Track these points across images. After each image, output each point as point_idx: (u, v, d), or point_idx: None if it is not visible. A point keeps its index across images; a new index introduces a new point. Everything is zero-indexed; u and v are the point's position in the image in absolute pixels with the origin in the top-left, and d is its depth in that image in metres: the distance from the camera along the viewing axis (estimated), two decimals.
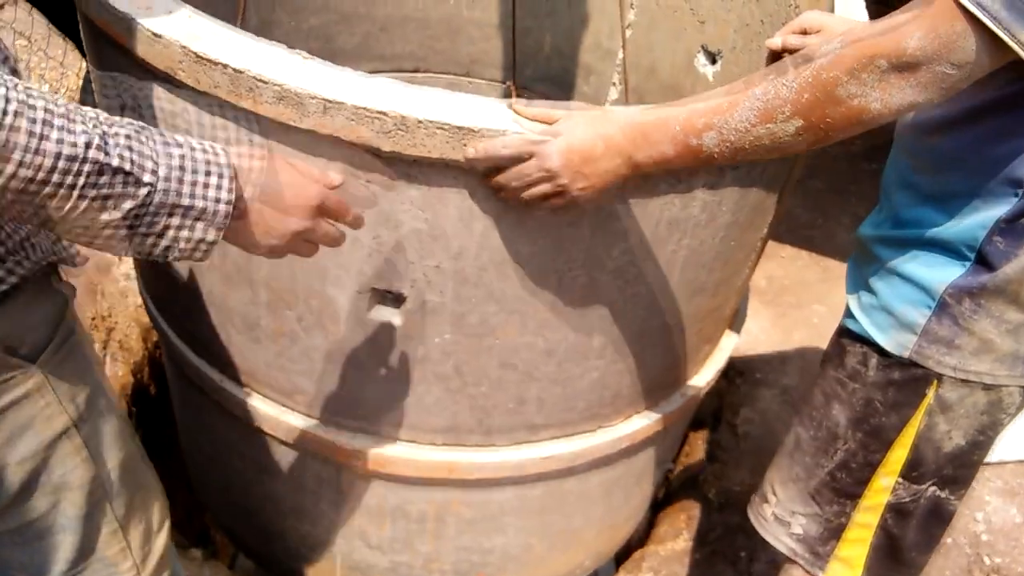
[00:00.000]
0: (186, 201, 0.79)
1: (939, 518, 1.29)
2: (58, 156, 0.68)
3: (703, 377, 1.70)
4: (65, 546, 1.06)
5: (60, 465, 1.01)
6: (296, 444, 1.52)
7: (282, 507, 1.71)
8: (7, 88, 0.65)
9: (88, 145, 0.70)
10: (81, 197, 0.71)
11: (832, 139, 0.95)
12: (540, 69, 2.38)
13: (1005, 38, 0.84)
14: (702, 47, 2.00)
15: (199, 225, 0.81)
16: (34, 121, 0.66)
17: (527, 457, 1.49)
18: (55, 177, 0.69)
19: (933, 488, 1.25)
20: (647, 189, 1.16)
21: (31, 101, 0.66)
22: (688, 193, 1.20)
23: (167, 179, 0.77)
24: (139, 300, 2.42)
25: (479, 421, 1.42)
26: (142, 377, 2.44)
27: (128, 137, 0.74)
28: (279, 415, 1.48)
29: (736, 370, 2.65)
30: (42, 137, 0.67)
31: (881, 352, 1.19)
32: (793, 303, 2.96)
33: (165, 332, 1.60)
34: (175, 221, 0.79)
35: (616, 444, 1.57)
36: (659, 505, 2.33)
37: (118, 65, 1.17)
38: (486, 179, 1.07)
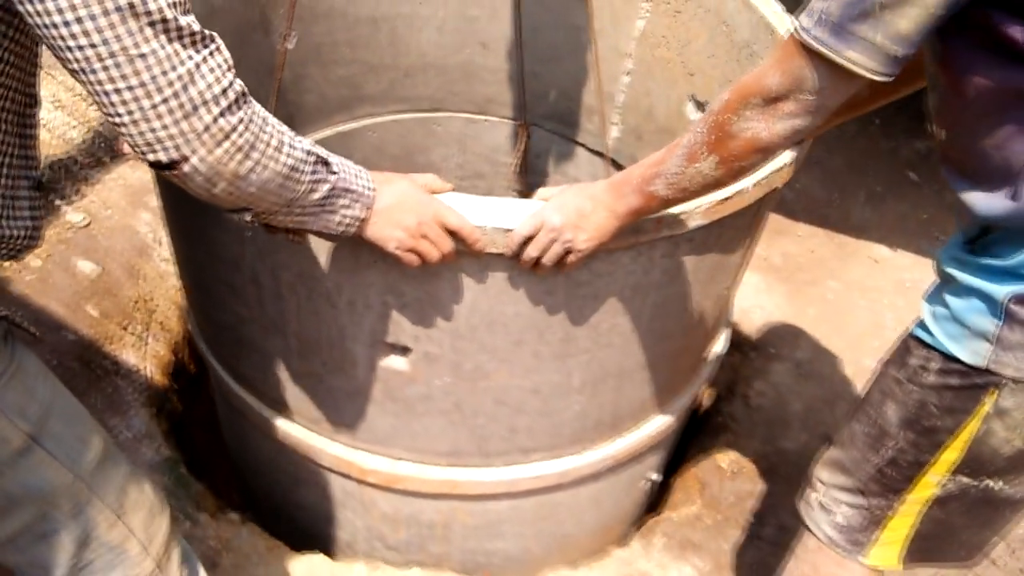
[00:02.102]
0: (352, 186, 1.13)
1: (990, 504, 1.30)
2: (305, 152, 1.04)
3: (681, 403, 1.91)
4: (64, 545, 1.11)
5: (31, 477, 1.06)
6: (322, 463, 1.77)
7: (314, 513, 1.98)
8: (284, 131, 1.01)
9: (307, 151, 1.04)
10: (308, 182, 1.05)
11: (745, 169, 1.13)
12: (548, 109, 2.59)
13: (833, 56, 0.97)
14: (691, 96, 2.19)
15: (356, 205, 1.14)
16: (282, 138, 1.01)
17: (519, 476, 1.72)
18: (303, 167, 1.03)
19: (987, 481, 1.26)
20: (611, 261, 1.37)
21: (282, 128, 1.01)
22: (649, 262, 1.41)
23: (340, 171, 1.11)
24: (177, 283, 2.58)
25: (478, 446, 1.66)
26: (182, 356, 2.58)
27: (313, 144, 1.08)
28: (308, 439, 1.74)
29: (750, 344, 2.74)
30: (292, 145, 1.02)
31: (945, 357, 1.21)
32: (808, 280, 3.00)
33: (214, 366, 1.86)
34: (344, 201, 1.13)
35: (601, 463, 1.79)
36: (673, 473, 2.40)
37: None
38: (518, 261, 1.30)
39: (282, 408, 1.75)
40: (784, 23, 1.80)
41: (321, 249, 1.36)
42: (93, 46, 0.81)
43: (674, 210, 1.31)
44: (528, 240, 1.25)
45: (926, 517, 1.33)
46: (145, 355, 2.44)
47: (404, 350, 1.49)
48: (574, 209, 1.24)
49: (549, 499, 1.83)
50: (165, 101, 0.86)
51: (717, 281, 1.62)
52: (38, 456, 1.06)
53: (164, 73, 0.85)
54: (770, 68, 1.04)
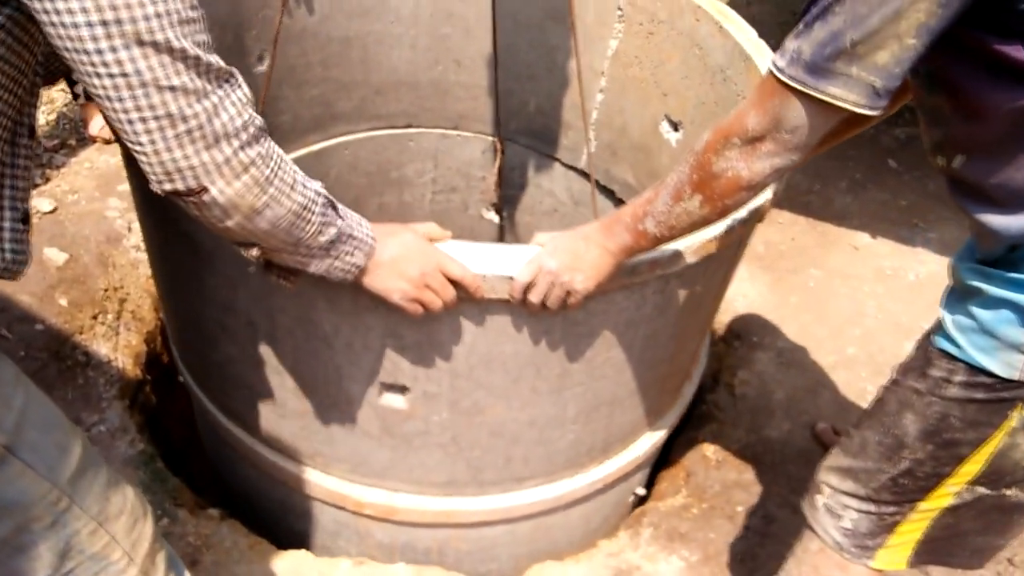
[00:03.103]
0: (356, 233, 1.15)
1: (1004, 510, 1.29)
2: (316, 193, 1.06)
3: (668, 421, 1.96)
4: (43, 557, 1.08)
5: (8, 489, 1.02)
6: (316, 495, 1.77)
7: (307, 543, 1.98)
8: (296, 169, 1.05)
9: (318, 192, 1.07)
10: (317, 223, 1.07)
11: (731, 207, 1.13)
12: (523, 124, 2.60)
13: (813, 93, 0.97)
14: (666, 116, 2.23)
15: (359, 253, 1.16)
16: (296, 176, 1.03)
17: (514, 503, 1.75)
18: (313, 207, 1.05)
19: (1005, 491, 1.26)
20: (606, 300, 1.40)
21: (295, 167, 1.04)
22: (641, 298, 1.44)
23: (346, 217, 1.13)
24: (149, 272, 2.54)
25: (473, 476, 1.68)
26: (155, 346, 2.53)
27: (322, 186, 1.10)
28: (301, 473, 1.74)
29: (734, 333, 2.74)
30: (304, 184, 1.04)
31: (971, 370, 1.18)
32: (790, 268, 3.01)
33: (201, 399, 1.84)
34: (347, 248, 1.14)
35: (592, 486, 1.83)
36: (659, 464, 2.38)
37: None
38: (522, 307, 1.32)
39: (273, 442, 1.75)
40: (759, 51, 1.84)
41: (319, 293, 1.36)
42: (124, 75, 0.83)
43: (666, 250, 1.34)
44: (530, 286, 1.28)
45: (937, 523, 1.32)
46: (117, 346, 2.39)
47: (402, 389, 1.50)
48: (568, 251, 1.27)
49: (543, 521, 1.87)
50: (189, 132, 0.89)
51: (704, 306, 1.66)
52: (14, 467, 1.02)
53: (190, 105, 0.87)
54: (749, 108, 1.05)
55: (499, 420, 1.56)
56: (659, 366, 1.67)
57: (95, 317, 2.40)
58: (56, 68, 1.39)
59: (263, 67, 2.21)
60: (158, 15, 0.82)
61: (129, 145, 0.90)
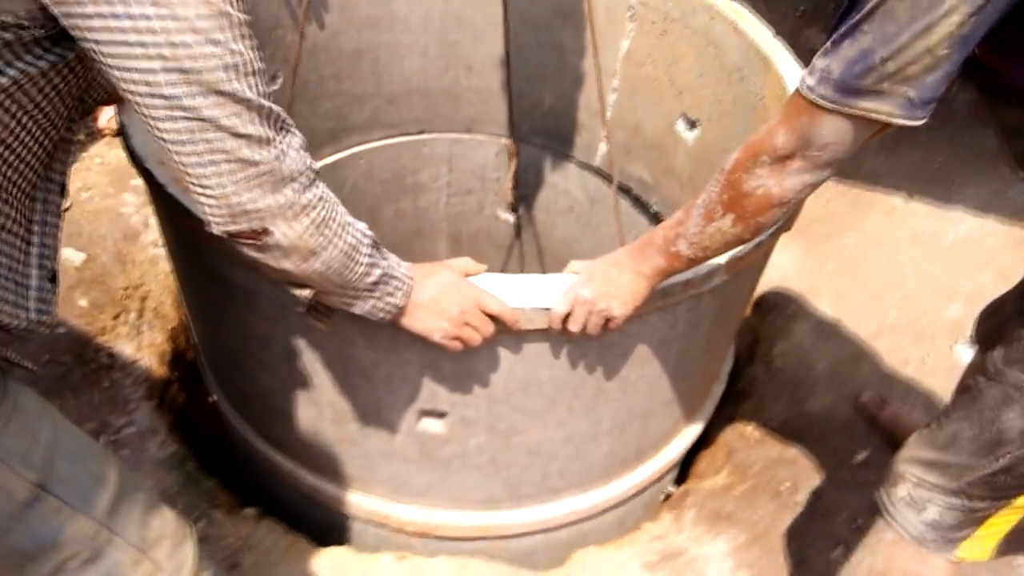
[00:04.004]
0: (396, 273, 1.15)
1: None
2: (363, 234, 1.07)
3: (698, 422, 1.98)
4: None
5: (43, 529, 0.99)
6: (357, 515, 1.81)
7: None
8: (344, 210, 1.05)
9: (364, 233, 1.08)
10: (365, 264, 1.08)
11: (763, 225, 1.12)
12: (536, 125, 2.60)
13: (846, 111, 0.97)
14: (682, 114, 2.22)
15: (399, 293, 1.17)
16: (346, 217, 1.05)
17: (551, 515, 1.78)
18: (361, 247, 1.06)
19: None
20: (640, 321, 1.41)
21: (347, 214, 1.05)
22: (674, 317, 1.46)
23: (389, 258, 1.15)
24: (168, 267, 2.48)
25: (511, 493, 1.71)
26: (179, 343, 2.48)
27: (367, 227, 1.10)
28: (341, 495, 1.77)
29: (769, 304, 2.65)
30: (353, 224, 1.06)
31: None
32: (823, 234, 2.90)
33: (237, 423, 1.87)
34: (389, 288, 1.15)
35: (627, 492, 1.86)
36: (698, 443, 2.25)
37: None
38: (564, 335, 1.34)
39: (312, 466, 1.77)
40: (776, 51, 1.84)
41: (357, 331, 1.38)
42: (200, 120, 0.85)
43: (699, 269, 1.35)
44: (568, 316, 1.29)
45: None
46: (141, 345, 2.36)
47: (440, 415, 1.52)
48: (602, 278, 1.28)
49: (578, 528, 1.90)
50: (258, 176, 0.91)
51: (734, 315, 1.68)
52: (48, 504, 0.98)
53: (259, 152, 0.90)
54: (777, 125, 1.05)
55: (536, 440, 1.58)
56: (692, 377, 1.69)
57: (117, 317, 2.37)
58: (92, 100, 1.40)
59: (276, 86, 2.21)
60: (235, 66, 0.84)
61: (194, 188, 0.91)
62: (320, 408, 1.58)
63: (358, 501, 1.76)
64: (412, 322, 1.23)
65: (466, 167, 2.76)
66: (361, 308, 1.16)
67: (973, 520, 1.30)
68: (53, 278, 1.07)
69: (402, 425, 1.54)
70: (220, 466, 2.22)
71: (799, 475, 2.15)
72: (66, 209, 2.55)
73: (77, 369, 2.19)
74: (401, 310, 1.20)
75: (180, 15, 0.80)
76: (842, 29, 0.97)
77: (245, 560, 1.85)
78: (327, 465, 1.74)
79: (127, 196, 2.71)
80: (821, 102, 0.99)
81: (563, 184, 2.70)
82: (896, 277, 2.72)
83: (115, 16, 0.78)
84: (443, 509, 1.75)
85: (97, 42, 0.81)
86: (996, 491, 1.26)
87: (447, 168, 2.76)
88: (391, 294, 1.17)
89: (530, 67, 2.47)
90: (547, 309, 1.29)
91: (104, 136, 2.86)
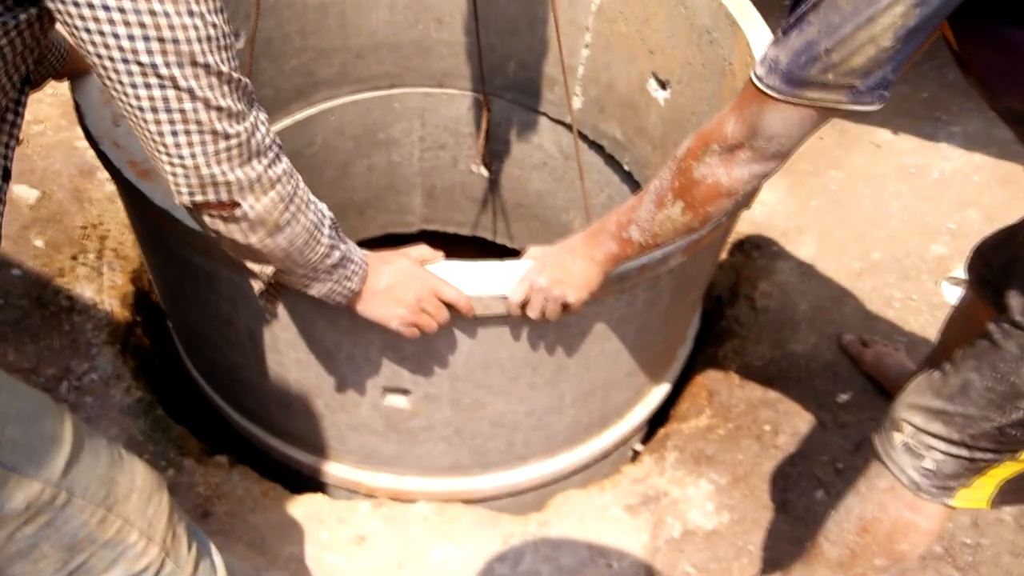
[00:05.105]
0: (353, 257, 1.17)
1: None
2: (323, 214, 1.09)
3: (663, 386, 2.02)
4: (49, 556, 1.02)
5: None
6: (330, 482, 1.85)
7: None
8: (315, 199, 1.08)
9: (325, 213, 1.10)
10: (326, 244, 1.09)
11: (712, 214, 1.12)
12: (508, 80, 2.56)
13: (793, 100, 0.97)
14: (653, 74, 2.19)
15: (356, 277, 1.19)
16: (309, 195, 1.07)
17: (518, 480, 1.83)
18: (323, 227, 1.08)
19: None
20: (598, 303, 1.43)
21: (307, 193, 1.06)
22: (632, 297, 1.47)
23: (347, 241, 1.16)
24: None
25: (477, 460, 1.75)
26: (142, 284, 2.38)
27: (327, 208, 1.12)
28: (314, 463, 1.81)
29: (752, 243, 2.62)
30: (315, 201, 1.08)
31: None
32: (809, 171, 2.82)
33: (212, 398, 1.90)
34: (347, 272, 1.17)
35: (592, 456, 1.91)
36: (680, 383, 2.27)
37: None
38: (523, 320, 1.35)
39: (285, 436, 1.81)
40: (745, 14, 1.80)
41: (319, 313, 1.40)
42: (177, 89, 0.85)
43: (656, 253, 1.36)
44: (525, 303, 1.30)
45: None
46: (102, 287, 2.26)
47: (404, 391, 1.55)
48: (556, 265, 1.29)
49: (546, 490, 1.96)
50: (229, 149, 0.92)
51: (696, 287, 1.70)
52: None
53: (232, 125, 0.90)
54: (729, 114, 1.04)
55: (499, 412, 1.61)
56: (652, 347, 1.72)
57: (75, 257, 2.28)
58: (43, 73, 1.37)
59: (239, 44, 2.16)
60: (212, 38, 0.85)
61: (162, 157, 0.91)
62: (287, 383, 1.61)
63: (330, 469, 1.81)
64: (369, 309, 1.24)
65: (439, 121, 2.73)
66: (318, 290, 1.17)
67: (974, 470, 1.27)
68: (5, 175, 1.08)
69: (367, 401, 1.57)
70: (189, 411, 2.15)
71: (781, 417, 2.15)
72: (18, 144, 2.44)
73: (35, 313, 2.12)
74: (357, 295, 1.21)
75: None
76: (791, 19, 0.96)
77: (218, 508, 1.82)
78: (298, 436, 1.77)
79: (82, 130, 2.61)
80: (769, 92, 0.98)
81: (536, 139, 2.68)
82: (881, 214, 2.70)
83: None
84: (412, 476, 1.79)
85: (77, 4, 0.79)
86: (1004, 444, 1.22)
87: (420, 123, 2.73)
88: (348, 278, 1.18)
89: (501, 21, 2.42)
90: (504, 297, 1.30)
91: None
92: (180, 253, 1.45)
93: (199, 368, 1.93)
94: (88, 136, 1.42)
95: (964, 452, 1.26)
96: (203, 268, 1.44)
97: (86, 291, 2.21)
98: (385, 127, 2.70)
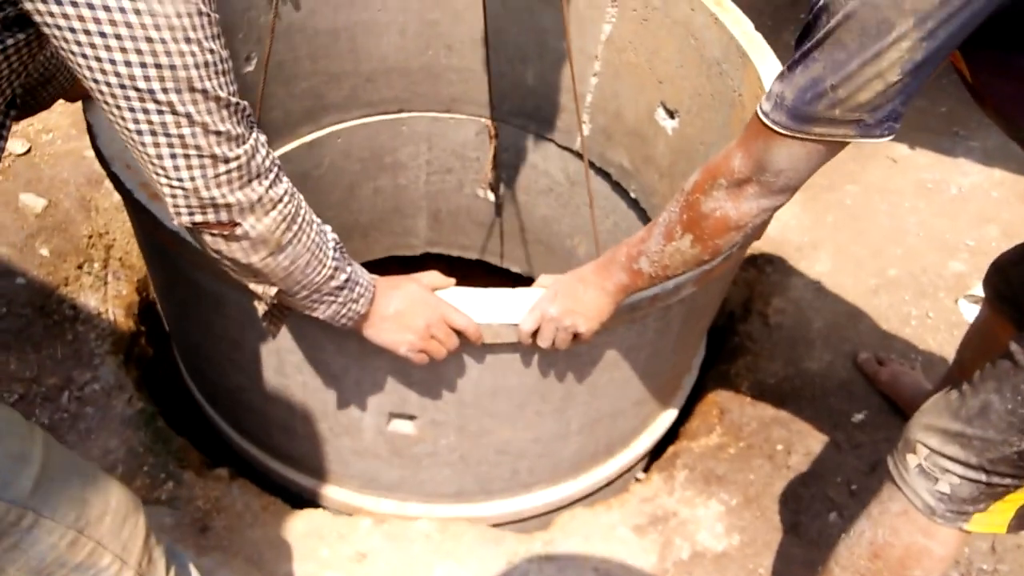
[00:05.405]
0: (360, 280, 1.17)
1: None
2: (328, 235, 1.09)
3: (669, 414, 2.01)
4: None
5: None
6: (331, 506, 1.84)
7: None
8: (319, 221, 1.08)
9: (328, 232, 1.09)
10: (331, 266, 1.09)
11: (720, 247, 1.12)
12: (517, 106, 2.57)
13: (800, 136, 0.97)
14: (662, 103, 2.21)
15: (362, 300, 1.18)
16: (313, 216, 1.06)
17: (522, 507, 1.82)
18: (327, 248, 1.08)
19: None
20: (608, 332, 1.42)
21: (310, 213, 1.06)
22: (643, 327, 1.47)
23: (353, 264, 1.16)
24: None
25: (481, 487, 1.74)
26: (147, 294, 2.36)
27: (331, 229, 1.12)
28: (315, 487, 1.80)
29: (766, 258, 2.56)
30: (319, 222, 1.08)
31: None
32: (824, 185, 2.75)
33: (216, 422, 1.89)
34: (353, 295, 1.16)
35: (596, 484, 1.90)
36: (691, 400, 2.21)
37: None
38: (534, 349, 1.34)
39: (287, 459, 1.80)
40: (755, 47, 1.82)
41: (327, 337, 1.39)
42: (175, 114, 0.85)
43: (667, 284, 1.36)
44: (536, 332, 1.30)
45: None
46: (106, 296, 2.25)
47: (410, 417, 1.54)
48: (567, 295, 1.28)
49: (550, 517, 1.94)
50: (228, 172, 0.92)
51: (706, 317, 1.69)
52: None
53: (231, 149, 0.91)
54: (736, 149, 1.04)
55: (505, 439, 1.60)
56: (661, 376, 1.71)
57: (80, 267, 2.26)
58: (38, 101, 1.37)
59: (251, 68, 2.17)
60: (206, 64, 0.84)
61: (162, 179, 0.91)
62: (291, 406, 1.60)
63: (331, 493, 1.79)
64: (378, 334, 1.24)
65: (446, 146, 2.74)
66: (324, 312, 1.16)
67: (991, 495, 1.22)
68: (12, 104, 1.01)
69: (372, 426, 1.56)
70: (190, 423, 2.11)
71: (794, 436, 2.10)
72: (25, 152, 2.42)
73: (38, 322, 2.10)
74: (364, 318, 1.21)
75: (157, 10, 0.79)
76: (796, 55, 0.96)
77: (217, 522, 1.79)
78: (299, 458, 1.76)
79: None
80: (775, 128, 0.98)
81: (543, 165, 2.68)
82: (898, 230, 2.64)
83: (90, 6, 0.77)
84: (415, 502, 1.78)
85: (73, 30, 0.79)
86: (1022, 469, 1.18)
87: (427, 147, 2.73)
88: (355, 300, 1.17)
89: (511, 48, 2.43)
90: (514, 325, 1.29)
91: None
92: (189, 275, 1.45)
93: (201, 389, 1.92)
94: (100, 157, 1.42)
95: (982, 476, 1.21)
96: (211, 290, 1.43)
97: (90, 300, 2.21)
98: (392, 150, 2.71)
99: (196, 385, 1.94)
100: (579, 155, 2.56)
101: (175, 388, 2.20)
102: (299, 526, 1.80)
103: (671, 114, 2.19)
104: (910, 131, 2.97)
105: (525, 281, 3.03)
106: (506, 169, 2.75)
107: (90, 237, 2.32)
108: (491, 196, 2.84)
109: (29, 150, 2.46)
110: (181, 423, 2.08)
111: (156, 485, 1.83)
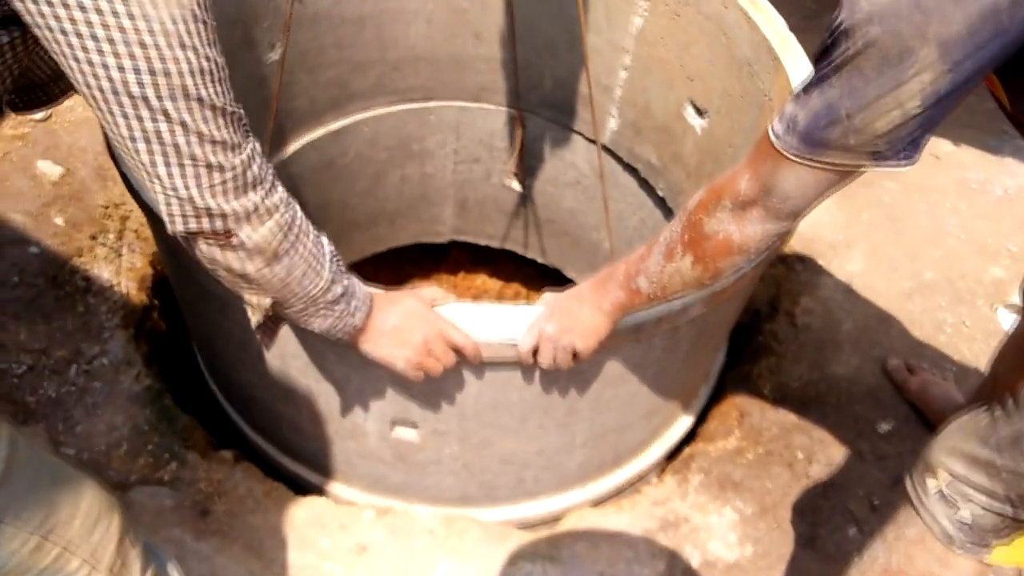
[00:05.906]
0: (357, 293, 1.16)
1: None
2: (324, 246, 1.08)
3: (681, 426, 1.97)
4: None
5: None
6: (338, 502, 1.85)
7: None
8: (316, 230, 1.07)
9: (326, 245, 1.09)
10: (328, 278, 1.08)
11: (722, 271, 1.07)
12: (544, 98, 2.52)
13: (809, 162, 0.92)
14: (691, 100, 2.14)
15: (359, 313, 1.17)
16: (309, 225, 1.06)
17: (528, 514, 1.81)
18: (323, 258, 1.07)
19: None
20: (612, 350, 1.39)
21: (306, 222, 1.05)
22: (648, 346, 1.43)
23: (350, 277, 1.15)
24: None
25: (486, 494, 1.73)
26: (161, 268, 2.30)
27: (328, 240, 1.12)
28: (323, 484, 1.81)
29: (796, 255, 2.45)
30: (314, 231, 1.07)
31: None
32: (861, 180, 2.53)
33: (230, 414, 1.91)
34: (350, 308, 1.15)
35: (605, 493, 1.88)
36: (710, 400, 2.14)
37: None
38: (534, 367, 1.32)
39: (295, 456, 1.81)
40: (787, 48, 1.74)
41: (328, 347, 1.38)
42: (170, 122, 0.84)
43: (674, 305, 1.32)
44: (535, 350, 1.27)
45: None
46: (120, 269, 2.18)
47: (413, 424, 1.53)
48: (564, 313, 1.25)
49: (555, 525, 1.93)
50: (224, 182, 0.91)
51: (718, 335, 1.65)
52: None
53: (228, 158, 0.90)
54: (743, 169, 0.99)
55: (508, 451, 1.59)
56: (671, 390, 1.67)
57: (95, 237, 2.20)
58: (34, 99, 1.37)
59: (275, 56, 2.15)
60: (202, 71, 0.83)
61: (156, 187, 0.89)
62: (298, 407, 1.60)
63: (339, 492, 1.80)
64: (374, 349, 1.22)
65: (474, 135, 2.70)
66: (319, 325, 1.15)
67: (1016, 528, 1.16)
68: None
69: (376, 431, 1.56)
70: (200, 401, 2.06)
71: (816, 444, 2.02)
72: (45, 119, 2.41)
73: (50, 292, 2.05)
74: (360, 331, 1.19)
75: (151, 15, 0.77)
76: (812, 78, 0.91)
77: (218, 506, 1.76)
78: (308, 458, 1.77)
79: None
80: (785, 152, 0.92)
81: (570, 157, 2.63)
82: (937, 231, 2.52)
83: (82, 8, 0.76)
84: (420, 504, 1.78)
85: (64, 32, 0.77)
86: None
87: (454, 136, 2.70)
88: (351, 314, 1.16)
89: (539, 40, 2.38)
90: (512, 343, 1.27)
91: None
92: (196, 276, 1.45)
93: (214, 379, 1.94)
94: (112, 155, 1.42)
95: (1008, 510, 1.14)
96: (217, 294, 1.43)
97: (103, 272, 2.15)
98: (419, 139, 2.69)
99: (209, 373, 1.96)
100: (607, 149, 2.51)
101: (186, 363, 2.17)
102: (301, 514, 1.77)
103: (700, 112, 2.12)
104: (954, 127, 2.80)
105: (552, 272, 3.00)
106: (533, 160, 2.70)
107: (106, 207, 2.27)
108: (518, 187, 2.80)
109: (49, 116, 2.41)
110: (190, 400, 2.02)
111: (160, 465, 1.81)
